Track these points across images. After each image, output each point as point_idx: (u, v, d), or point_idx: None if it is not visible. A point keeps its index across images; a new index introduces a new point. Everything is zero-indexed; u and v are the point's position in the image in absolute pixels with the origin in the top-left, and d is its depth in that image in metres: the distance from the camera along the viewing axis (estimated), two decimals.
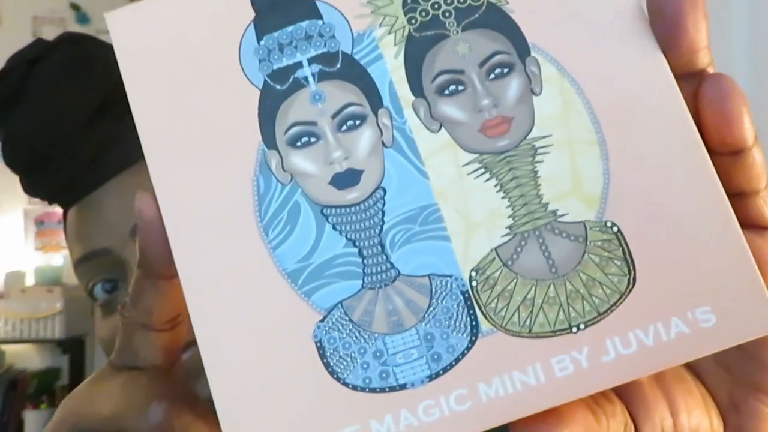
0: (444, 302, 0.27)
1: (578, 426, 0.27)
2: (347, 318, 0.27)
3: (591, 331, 0.26)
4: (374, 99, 0.28)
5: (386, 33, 0.29)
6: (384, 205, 0.28)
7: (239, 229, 0.27)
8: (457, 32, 0.29)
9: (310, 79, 0.28)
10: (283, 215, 0.28)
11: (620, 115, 0.28)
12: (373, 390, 0.26)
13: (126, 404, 0.31)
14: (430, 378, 0.26)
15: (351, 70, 0.28)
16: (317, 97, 0.28)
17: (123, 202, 0.63)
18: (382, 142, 0.28)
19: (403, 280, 0.27)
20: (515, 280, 0.27)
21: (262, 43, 0.29)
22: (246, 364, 0.27)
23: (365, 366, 0.27)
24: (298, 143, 0.28)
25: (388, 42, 0.29)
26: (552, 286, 0.27)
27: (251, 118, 0.28)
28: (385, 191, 0.28)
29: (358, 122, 0.28)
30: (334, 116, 0.28)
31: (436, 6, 0.29)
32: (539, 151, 0.28)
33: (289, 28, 0.29)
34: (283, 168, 0.28)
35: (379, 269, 0.27)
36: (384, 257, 0.27)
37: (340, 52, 0.29)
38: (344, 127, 0.28)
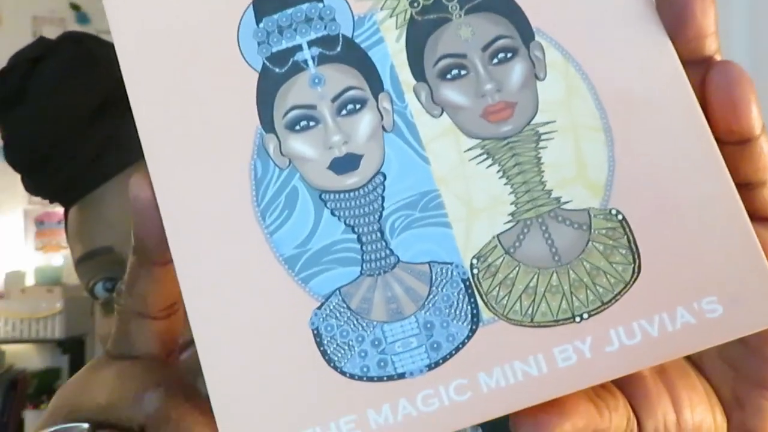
0: (444, 290, 0.26)
1: (580, 418, 0.26)
2: (345, 305, 0.26)
3: (594, 321, 0.26)
4: (375, 83, 0.28)
5: (388, 16, 0.28)
6: (384, 190, 0.27)
7: (235, 214, 0.27)
8: (460, 16, 0.28)
9: (310, 62, 0.28)
10: (281, 200, 0.27)
11: (626, 101, 0.27)
12: (370, 379, 0.26)
13: (120, 393, 0.31)
14: (430, 367, 0.26)
15: (351, 54, 0.28)
16: (317, 80, 0.28)
17: (124, 201, 0.63)
18: (383, 127, 0.27)
19: (402, 267, 0.27)
20: (517, 268, 0.26)
21: (261, 25, 0.28)
22: (241, 352, 0.26)
23: (363, 354, 0.26)
24: (297, 127, 0.27)
25: (390, 25, 0.28)
26: (555, 275, 0.26)
27: (249, 101, 0.28)
28: (385, 176, 0.27)
29: (358, 106, 0.27)
30: (333, 100, 0.28)
31: None
32: (543, 137, 0.27)
33: (289, 11, 0.28)
34: (281, 152, 0.27)
35: (378, 256, 0.27)
36: (383, 244, 0.27)
37: (340, 36, 0.28)
38: (344, 111, 0.27)
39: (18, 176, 0.72)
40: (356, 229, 0.27)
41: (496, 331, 0.26)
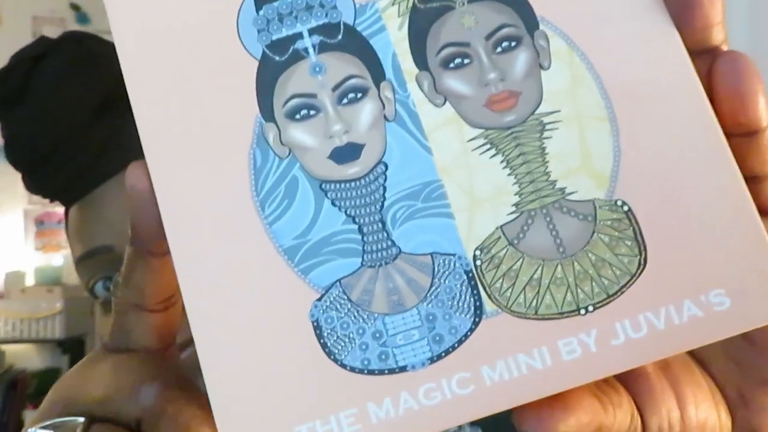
0: (447, 282, 0.26)
1: (585, 413, 0.26)
2: (346, 297, 0.26)
3: (600, 314, 0.25)
4: (376, 71, 0.27)
5: (390, 4, 0.28)
6: (385, 180, 0.27)
7: (234, 204, 0.26)
8: (464, 4, 0.28)
9: (311, 50, 0.27)
10: (280, 190, 0.27)
11: (632, 90, 0.27)
12: (371, 372, 0.25)
13: (117, 387, 0.30)
14: (432, 360, 0.25)
15: (353, 42, 0.28)
16: (317, 68, 0.27)
17: (125, 200, 0.63)
18: (384, 116, 0.27)
19: (404, 258, 0.26)
20: (521, 260, 0.26)
21: (261, 12, 0.28)
22: (239, 344, 0.26)
23: (364, 347, 0.26)
24: (297, 116, 0.27)
25: (392, 13, 0.28)
26: (559, 267, 0.26)
27: (248, 89, 0.27)
28: (386, 166, 0.27)
29: (359, 95, 0.27)
30: (334, 89, 0.27)
31: None
32: (547, 126, 0.27)
33: None
34: (280, 141, 0.27)
35: (379, 247, 0.26)
36: (385, 234, 0.26)
37: (341, 23, 0.28)
38: (345, 100, 0.27)
39: (18, 176, 0.72)
40: (357, 220, 0.26)
41: (499, 323, 0.26)
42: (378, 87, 0.27)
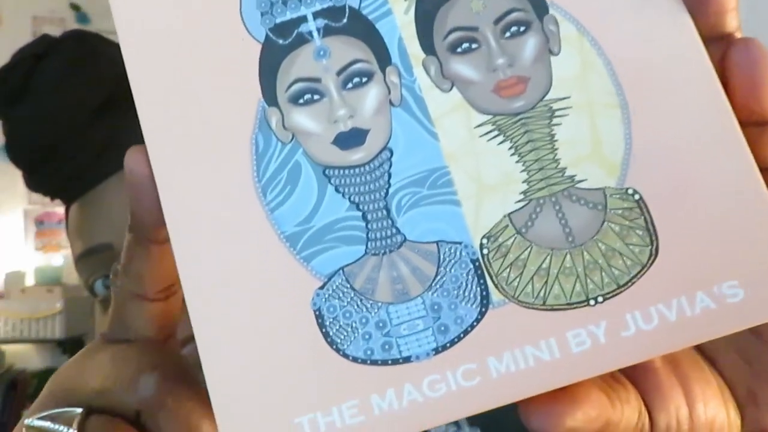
0: (453, 271, 0.25)
1: (592, 407, 0.25)
2: (349, 285, 0.25)
3: (610, 305, 0.25)
4: (382, 56, 0.27)
5: None
6: (390, 166, 0.26)
7: (236, 189, 0.26)
8: None
9: (315, 33, 0.27)
10: (283, 175, 0.26)
11: (644, 77, 0.26)
12: (374, 362, 0.25)
13: (115, 377, 0.30)
14: (437, 351, 0.25)
15: (358, 26, 0.27)
16: (322, 52, 0.27)
17: (125, 198, 0.63)
18: (390, 101, 0.26)
19: (409, 247, 0.25)
20: (529, 249, 0.25)
21: None
22: (239, 333, 0.25)
23: (367, 337, 0.25)
24: (301, 100, 0.26)
25: None
26: (568, 256, 0.25)
27: (251, 73, 0.27)
28: (391, 152, 0.26)
29: (364, 80, 0.26)
30: (339, 73, 0.27)
31: None
32: (557, 113, 0.26)
33: None
34: (283, 126, 0.26)
35: (383, 234, 0.26)
36: (389, 222, 0.26)
37: (347, 7, 0.27)
38: (350, 85, 0.26)
39: (18, 176, 0.72)
40: (361, 207, 0.26)
41: (506, 313, 0.25)
42: (384, 72, 0.27)
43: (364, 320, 0.25)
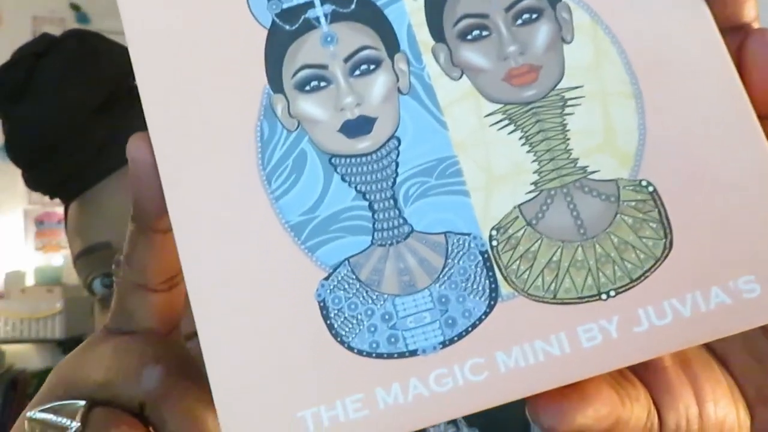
0: (461, 262, 0.25)
1: (603, 405, 0.25)
2: (354, 276, 0.25)
3: (622, 299, 0.24)
4: (391, 43, 0.26)
5: None
6: (398, 155, 0.25)
7: (240, 177, 0.25)
8: None
9: (322, 19, 0.26)
10: (288, 164, 0.25)
11: (659, 66, 0.25)
12: (380, 355, 0.24)
13: (118, 369, 0.29)
14: (444, 344, 0.24)
15: (366, 12, 0.26)
16: (329, 38, 0.26)
17: (125, 196, 0.63)
18: (398, 89, 0.26)
19: (416, 237, 0.25)
20: (540, 241, 0.25)
21: None
22: (242, 325, 0.24)
23: (372, 329, 0.24)
24: (307, 87, 0.26)
25: None
26: (580, 249, 0.25)
27: (257, 59, 0.26)
28: (399, 141, 0.25)
29: (372, 67, 0.26)
30: (346, 60, 0.26)
31: None
32: (569, 102, 0.25)
33: None
34: (289, 113, 0.26)
35: (390, 224, 0.25)
36: (396, 212, 0.25)
37: None
38: (357, 72, 0.26)
39: (18, 176, 0.72)
40: (368, 196, 0.25)
41: (515, 307, 0.24)
42: (392, 59, 0.26)
43: (369, 312, 0.24)
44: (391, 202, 0.25)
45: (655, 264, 0.24)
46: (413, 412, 0.24)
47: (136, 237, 0.28)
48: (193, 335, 0.25)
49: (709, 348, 0.30)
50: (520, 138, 0.25)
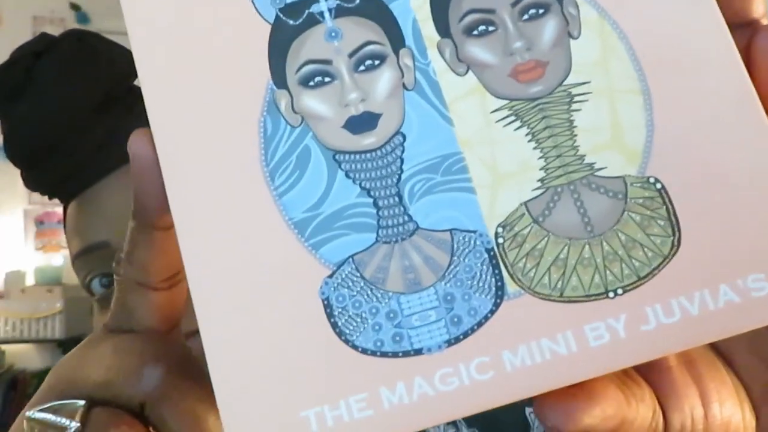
0: (466, 260, 0.24)
1: (610, 405, 0.24)
2: (358, 274, 0.24)
3: (630, 297, 0.24)
4: (396, 38, 0.26)
5: None
6: (403, 152, 0.25)
7: (242, 174, 0.25)
8: None
9: (327, 14, 0.26)
10: (292, 160, 0.25)
11: (667, 62, 0.25)
12: (384, 354, 0.24)
13: (118, 369, 0.29)
14: (449, 343, 0.24)
15: (371, 6, 0.26)
16: (333, 34, 0.26)
17: (123, 196, 0.63)
18: (403, 85, 0.26)
19: (421, 235, 0.25)
20: (546, 239, 0.24)
21: None
22: (244, 323, 0.24)
23: (377, 327, 0.24)
24: (311, 83, 0.26)
25: None
26: (587, 246, 0.24)
27: (260, 54, 0.26)
28: (404, 137, 0.25)
29: (377, 62, 0.26)
30: (351, 55, 0.26)
31: None
32: (576, 98, 0.25)
33: None
34: (293, 109, 0.25)
35: (395, 222, 0.25)
36: (401, 209, 0.25)
37: None
38: (362, 67, 0.26)
39: (18, 176, 0.72)
40: (372, 193, 0.25)
41: (522, 305, 0.24)
42: (397, 54, 0.26)
43: (374, 310, 0.24)
44: (396, 199, 0.25)
45: (663, 262, 0.24)
46: (418, 412, 0.23)
47: (137, 234, 0.28)
48: (194, 333, 0.25)
49: (714, 348, 0.29)
50: (527, 134, 0.25)
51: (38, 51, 0.67)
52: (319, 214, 0.25)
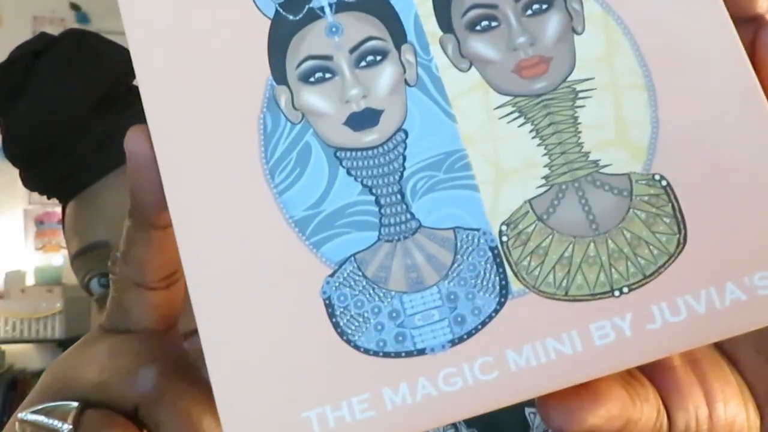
0: (470, 258, 0.24)
1: (615, 405, 0.24)
2: (360, 273, 0.24)
3: (635, 296, 0.24)
4: (397, 33, 0.26)
5: None
6: (405, 149, 0.25)
7: (242, 171, 0.25)
8: None
9: (327, 9, 0.26)
10: (292, 157, 0.25)
11: (671, 58, 0.25)
12: (387, 354, 0.24)
13: (113, 370, 0.29)
14: (453, 343, 0.24)
15: (372, 1, 0.26)
16: (334, 29, 0.26)
17: (122, 196, 0.63)
18: (405, 81, 0.25)
19: (424, 233, 0.24)
20: (551, 237, 0.24)
21: None
22: (244, 323, 0.24)
23: (379, 327, 0.24)
24: (312, 79, 0.25)
25: None
26: (592, 244, 0.24)
27: (260, 50, 0.25)
28: (406, 134, 0.25)
29: (378, 58, 0.25)
30: (352, 51, 0.25)
31: None
32: (580, 94, 0.25)
33: None
34: (293, 105, 0.25)
35: (397, 220, 0.24)
36: (404, 207, 0.24)
37: None
38: (363, 63, 0.25)
39: (18, 176, 0.71)
40: (374, 191, 0.25)
41: (526, 304, 0.24)
42: (399, 50, 0.25)
43: (376, 310, 0.24)
44: (398, 196, 0.24)
45: (668, 260, 0.24)
46: (422, 413, 0.23)
47: (133, 233, 0.28)
48: (192, 333, 0.25)
49: (719, 347, 0.29)
50: (531, 131, 0.25)
51: (37, 50, 0.67)
52: (320, 212, 0.24)
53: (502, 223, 0.24)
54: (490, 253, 0.24)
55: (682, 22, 0.25)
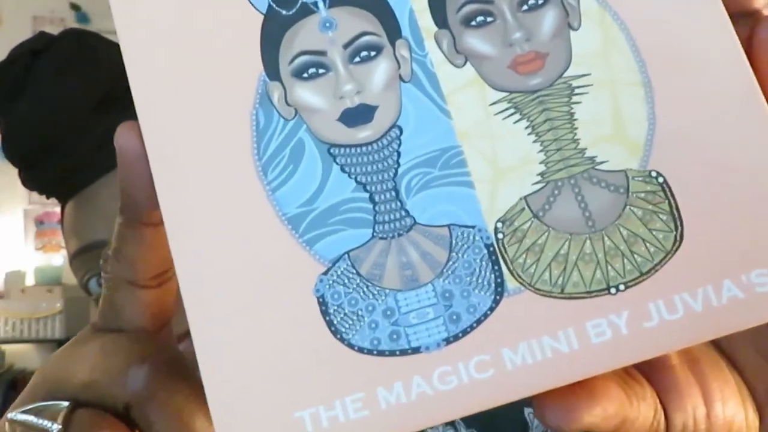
0: (465, 256, 0.24)
1: (611, 403, 0.24)
2: (354, 271, 0.24)
3: (632, 293, 0.23)
4: (392, 28, 0.25)
5: None
6: (400, 145, 0.25)
7: (234, 168, 0.24)
8: None
9: (321, 4, 0.26)
10: (285, 154, 0.25)
11: (668, 53, 0.25)
12: (381, 353, 0.23)
13: (104, 369, 0.28)
14: (448, 341, 0.23)
15: None
16: (328, 24, 0.25)
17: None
18: (400, 76, 0.25)
19: (419, 230, 0.24)
20: (547, 234, 0.24)
21: None
22: (237, 322, 0.24)
23: (373, 325, 0.23)
24: (305, 74, 0.25)
25: None
26: (588, 242, 0.24)
27: (252, 45, 0.25)
28: (401, 130, 0.25)
29: (373, 53, 0.25)
30: (346, 46, 0.25)
31: None
32: (576, 90, 0.25)
33: None
34: (286, 101, 0.25)
35: (392, 217, 0.24)
36: (398, 204, 0.24)
37: None
38: (357, 59, 0.25)
39: (18, 176, 0.72)
40: (368, 188, 0.24)
41: (522, 302, 0.23)
42: (393, 45, 0.25)
43: (370, 308, 0.24)
44: (393, 193, 0.24)
45: (665, 257, 0.24)
46: (417, 412, 0.23)
47: (124, 231, 0.28)
48: (187, 335, 0.24)
49: (717, 346, 0.29)
50: (527, 127, 0.25)
51: (37, 50, 0.67)
52: (314, 209, 0.24)
53: (498, 221, 0.24)
54: (485, 251, 0.24)
55: (679, 18, 0.25)
